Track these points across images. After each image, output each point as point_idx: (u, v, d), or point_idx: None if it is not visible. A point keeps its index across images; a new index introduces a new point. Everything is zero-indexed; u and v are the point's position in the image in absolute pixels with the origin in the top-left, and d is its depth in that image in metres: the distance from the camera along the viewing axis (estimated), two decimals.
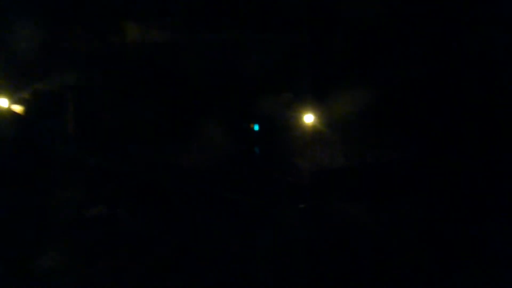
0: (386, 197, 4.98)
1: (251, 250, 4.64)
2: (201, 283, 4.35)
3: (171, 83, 5.38)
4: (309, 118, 5.40)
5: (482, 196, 4.81)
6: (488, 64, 4.87)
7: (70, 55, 5.17)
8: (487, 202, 4.79)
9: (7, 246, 4.48)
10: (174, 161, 5.30)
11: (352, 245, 4.63)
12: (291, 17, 5.36)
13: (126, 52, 5.24)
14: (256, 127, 5.52)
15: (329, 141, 5.33)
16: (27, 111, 5.15)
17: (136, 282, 4.33)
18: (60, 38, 5.16)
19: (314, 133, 5.38)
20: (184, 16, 5.42)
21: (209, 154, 5.32)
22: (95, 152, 5.12)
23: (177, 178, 5.21)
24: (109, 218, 4.81)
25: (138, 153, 5.28)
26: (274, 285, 4.46)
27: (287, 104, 5.56)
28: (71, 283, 4.31)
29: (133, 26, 5.24)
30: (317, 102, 5.37)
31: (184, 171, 5.25)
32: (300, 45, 5.42)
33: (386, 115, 5.23)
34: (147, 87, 5.33)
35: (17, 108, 5.12)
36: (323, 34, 5.36)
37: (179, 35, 5.38)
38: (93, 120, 5.18)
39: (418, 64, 5.13)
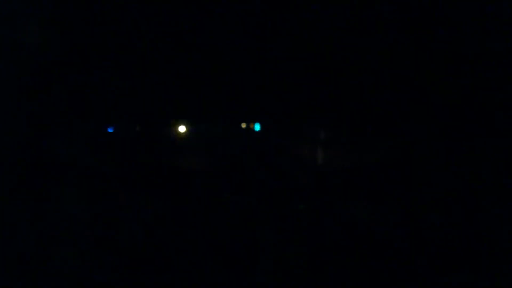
0: (387, 198, 4.99)
1: (250, 250, 4.66)
2: (200, 284, 4.38)
3: (169, 82, 5.38)
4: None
5: (482, 195, 4.82)
6: (487, 65, 4.89)
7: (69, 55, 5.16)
8: (487, 201, 4.80)
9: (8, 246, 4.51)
10: (172, 161, 5.31)
11: (352, 246, 4.65)
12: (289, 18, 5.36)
13: (123, 51, 5.23)
14: (257, 127, 5.49)
15: (328, 141, 5.34)
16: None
17: (135, 282, 4.36)
18: (59, 37, 5.15)
19: (313, 133, 5.39)
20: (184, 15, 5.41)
21: (208, 154, 5.33)
22: (94, 152, 5.13)
23: (175, 178, 5.22)
24: (108, 219, 4.83)
25: (137, 153, 5.29)
26: (274, 285, 4.49)
27: (288, 103, 5.55)
28: (70, 282, 4.34)
29: (129, 25, 5.24)
30: (316, 101, 5.37)
31: (182, 171, 5.25)
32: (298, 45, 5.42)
33: (384, 115, 5.24)
34: (145, 86, 5.33)
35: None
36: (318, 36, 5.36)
37: (177, 33, 5.38)
38: (91, 120, 5.18)
39: (414, 63, 5.14)
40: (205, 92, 5.50)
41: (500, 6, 4.77)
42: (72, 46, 5.20)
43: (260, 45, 5.41)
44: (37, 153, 4.88)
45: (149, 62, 5.34)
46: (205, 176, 5.22)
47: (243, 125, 5.53)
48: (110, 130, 5.37)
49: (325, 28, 5.31)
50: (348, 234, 4.77)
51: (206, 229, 4.79)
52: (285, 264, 4.60)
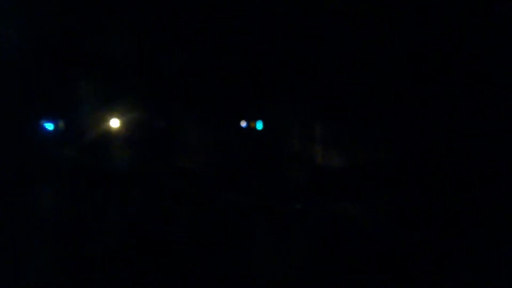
0: (383, 197, 5.00)
1: (248, 250, 4.69)
2: (198, 283, 4.40)
3: (168, 81, 5.38)
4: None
5: (481, 195, 4.83)
6: (484, 65, 4.87)
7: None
8: (485, 201, 4.81)
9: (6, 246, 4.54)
10: (171, 162, 5.32)
11: (348, 246, 4.67)
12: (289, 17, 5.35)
13: (121, 50, 5.23)
14: (259, 125, 5.47)
15: (326, 141, 5.34)
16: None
17: (134, 282, 4.39)
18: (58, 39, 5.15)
19: (312, 133, 5.40)
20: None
21: (207, 154, 5.34)
22: (93, 153, 5.14)
23: (174, 178, 5.23)
24: (107, 219, 4.86)
25: (136, 153, 5.30)
26: (272, 285, 4.51)
27: (290, 102, 5.55)
28: (69, 282, 4.37)
29: (127, 25, 5.23)
30: (314, 100, 5.39)
31: (181, 172, 5.27)
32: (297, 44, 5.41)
33: (383, 114, 5.25)
34: (143, 86, 5.33)
35: None
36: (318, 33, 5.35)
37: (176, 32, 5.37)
38: (89, 120, 5.19)
39: (410, 63, 5.13)
40: (203, 89, 5.52)
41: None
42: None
43: (260, 44, 5.41)
44: None
45: (148, 62, 5.35)
46: (199, 175, 5.25)
47: (243, 123, 5.53)
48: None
49: (325, 28, 5.31)
50: (345, 234, 4.79)
51: (202, 228, 4.82)
52: (282, 262, 4.63)
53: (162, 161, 5.32)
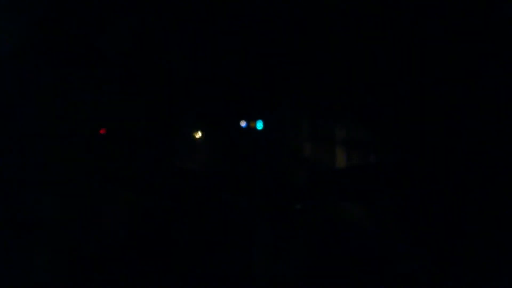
0: (383, 197, 5.00)
1: (249, 250, 4.70)
2: (198, 283, 4.42)
3: (167, 80, 5.38)
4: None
5: (481, 195, 4.83)
6: (484, 66, 4.87)
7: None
8: (485, 201, 4.80)
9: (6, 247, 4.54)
10: (171, 162, 5.31)
11: (348, 246, 4.68)
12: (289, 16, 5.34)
13: (119, 49, 5.22)
14: (260, 125, 5.46)
15: (326, 141, 5.34)
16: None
17: (134, 282, 4.40)
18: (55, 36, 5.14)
19: (312, 133, 5.39)
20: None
21: (207, 154, 5.34)
22: (93, 153, 5.13)
23: (174, 179, 5.23)
24: (107, 220, 4.85)
25: (136, 154, 5.29)
26: (272, 285, 4.52)
27: (290, 102, 5.54)
28: (69, 282, 4.38)
29: (126, 23, 5.21)
30: (314, 100, 5.38)
31: (181, 172, 5.27)
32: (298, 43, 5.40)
33: (383, 114, 5.24)
34: (143, 86, 5.32)
35: None
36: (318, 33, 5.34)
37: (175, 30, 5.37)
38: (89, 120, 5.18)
39: (412, 65, 5.12)
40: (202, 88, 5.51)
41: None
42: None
43: (260, 44, 5.40)
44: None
45: (149, 61, 5.35)
46: (200, 175, 5.24)
47: (243, 123, 5.52)
48: None
49: (325, 27, 5.30)
50: (345, 234, 4.79)
51: (202, 227, 4.83)
52: (281, 262, 4.64)
53: (161, 161, 5.31)
